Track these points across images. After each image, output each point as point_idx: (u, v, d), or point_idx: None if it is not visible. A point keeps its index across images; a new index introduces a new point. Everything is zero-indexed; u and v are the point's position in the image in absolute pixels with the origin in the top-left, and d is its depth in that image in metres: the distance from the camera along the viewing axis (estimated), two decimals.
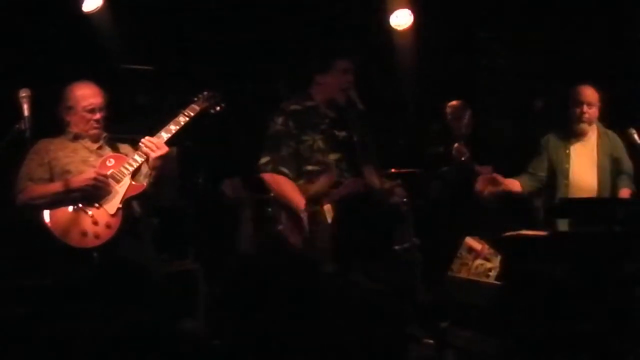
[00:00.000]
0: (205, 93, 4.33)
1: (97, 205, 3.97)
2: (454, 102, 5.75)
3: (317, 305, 3.91)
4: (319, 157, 4.21)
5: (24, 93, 3.89)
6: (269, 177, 4.22)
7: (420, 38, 5.71)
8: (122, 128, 4.41)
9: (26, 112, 3.85)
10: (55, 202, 3.94)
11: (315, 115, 4.25)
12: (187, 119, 4.19)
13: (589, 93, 5.02)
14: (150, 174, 4.11)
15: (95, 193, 3.95)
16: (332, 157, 4.21)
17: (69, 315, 3.91)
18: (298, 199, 4.07)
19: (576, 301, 4.05)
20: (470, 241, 5.14)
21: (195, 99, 4.27)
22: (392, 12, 5.57)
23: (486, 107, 5.79)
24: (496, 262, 5.17)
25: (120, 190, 4.02)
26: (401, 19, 5.59)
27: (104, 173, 4.00)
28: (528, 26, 6.08)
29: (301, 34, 5.90)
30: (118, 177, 4.03)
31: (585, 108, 4.99)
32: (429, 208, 5.69)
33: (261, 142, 4.33)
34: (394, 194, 4.37)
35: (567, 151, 5.07)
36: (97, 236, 3.92)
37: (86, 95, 4.11)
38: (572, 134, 5.08)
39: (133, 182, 4.07)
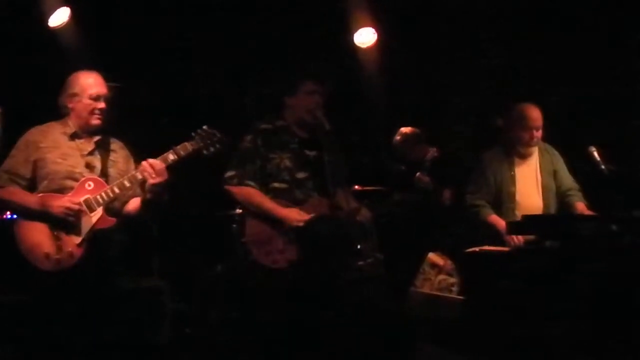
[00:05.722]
0: (205, 128, 3.96)
1: (65, 230, 3.85)
2: (405, 130, 5.84)
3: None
4: (285, 175, 4.27)
5: None
6: (237, 189, 4.26)
7: (385, 56, 5.80)
8: None
9: None
10: (26, 215, 3.86)
11: (285, 135, 4.31)
12: (176, 157, 3.91)
13: (537, 116, 4.82)
14: (143, 196, 3.96)
15: (65, 219, 3.84)
16: (300, 175, 4.28)
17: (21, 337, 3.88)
18: (284, 212, 4.13)
19: (537, 314, 4.15)
20: (432, 257, 5.19)
21: (193, 134, 3.94)
22: (356, 30, 5.68)
23: (449, 123, 5.87)
24: (459, 277, 5.26)
25: (91, 220, 3.88)
26: (365, 37, 5.70)
27: (78, 201, 3.86)
28: (502, 42, 6.18)
29: (269, 54, 5.95)
30: (92, 206, 3.88)
31: (534, 133, 4.82)
32: (393, 224, 5.77)
33: (227, 159, 4.35)
34: (359, 213, 4.46)
35: (512, 173, 4.88)
36: (58, 262, 3.80)
37: (93, 84, 4.01)
38: (517, 155, 4.90)
39: (105, 214, 3.91)
